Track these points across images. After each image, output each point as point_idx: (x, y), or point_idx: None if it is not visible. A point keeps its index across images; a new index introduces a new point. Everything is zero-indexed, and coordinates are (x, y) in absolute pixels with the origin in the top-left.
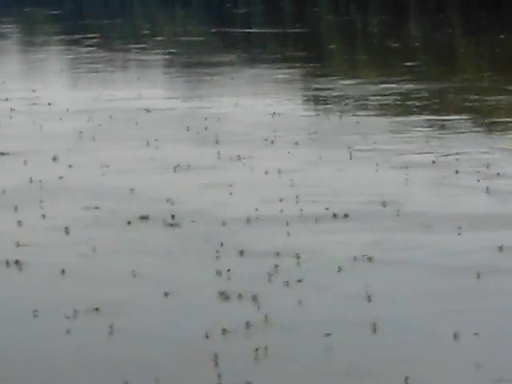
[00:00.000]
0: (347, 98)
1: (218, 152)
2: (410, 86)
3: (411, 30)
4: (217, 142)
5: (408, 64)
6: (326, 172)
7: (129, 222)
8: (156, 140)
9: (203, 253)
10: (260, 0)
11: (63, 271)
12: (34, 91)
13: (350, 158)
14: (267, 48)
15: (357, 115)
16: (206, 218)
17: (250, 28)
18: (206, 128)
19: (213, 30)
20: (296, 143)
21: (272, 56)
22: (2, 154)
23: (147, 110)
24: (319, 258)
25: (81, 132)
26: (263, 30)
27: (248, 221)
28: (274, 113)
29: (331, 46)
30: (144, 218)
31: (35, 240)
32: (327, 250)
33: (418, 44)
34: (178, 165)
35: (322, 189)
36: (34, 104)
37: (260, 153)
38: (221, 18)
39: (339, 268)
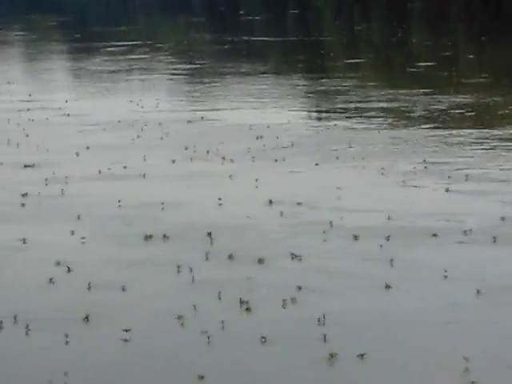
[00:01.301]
0: (413, 110)
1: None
2: (475, 98)
3: (439, 40)
4: (283, 160)
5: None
6: (417, 192)
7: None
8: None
9: None
10: (265, 8)
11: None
12: (66, 101)
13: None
14: (293, 57)
15: (426, 128)
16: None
17: (267, 36)
18: (260, 137)
19: (229, 39)
20: (363, 157)
21: (304, 65)
22: (31, 165)
23: (202, 119)
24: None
25: (134, 143)
26: (281, 38)
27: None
28: (335, 125)
29: (369, 56)
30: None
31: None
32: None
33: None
34: (257, 180)
35: (415, 206)
36: (77, 115)
37: (331, 166)
38: (235, 26)
39: None
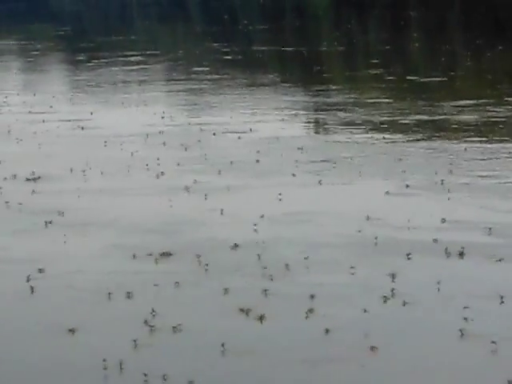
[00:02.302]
0: (458, 122)
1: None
2: None
3: (457, 49)
4: (361, 175)
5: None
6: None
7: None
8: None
9: None
10: (264, 17)
11: None
12: (91, 113)
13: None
14: (310, 67)
15: (473, 140)
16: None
17: (277, 46)
18: (294, 149)
19: (240, 49)
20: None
21: (325, 76)
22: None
23: (232, 132)
24: None
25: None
26: (292, 48)
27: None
28: (384, 138)
29: (391, 66)
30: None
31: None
32: None
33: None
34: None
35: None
36: (102, 128)
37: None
38: (242, 36)
39: None
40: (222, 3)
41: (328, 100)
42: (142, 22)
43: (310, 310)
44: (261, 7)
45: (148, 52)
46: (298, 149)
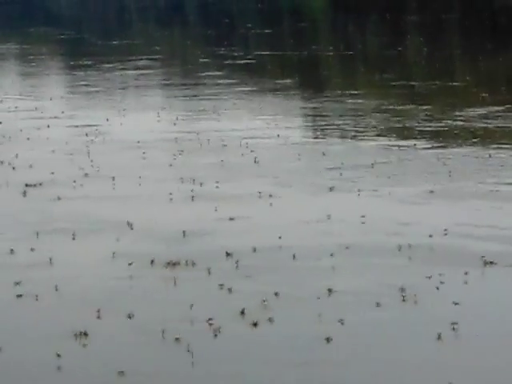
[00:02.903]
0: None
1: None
2: None
3: (466, 52)
4: (387, 182)
5: None
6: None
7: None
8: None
9: None
10: (262, 20)
11: None
12: (107, 119)
13: None
14: (324, 72)
15: None
16: None
17: (285, 50)
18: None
19: (248, 53)
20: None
21: (343, 81)
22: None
23: (255, 137)
24: None
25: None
26: (301, 52)
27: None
28: (408, 144)
29: (408, 71)
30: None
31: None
32: None
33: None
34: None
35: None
36: (121, 133)
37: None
38: (247, 40)
39: None
40: (220, 8)
41: (344, 106)
42: (142, 25)
43: (320, 315)
44: (259, 11)
45: (154, 56)
46: (321, 155)
